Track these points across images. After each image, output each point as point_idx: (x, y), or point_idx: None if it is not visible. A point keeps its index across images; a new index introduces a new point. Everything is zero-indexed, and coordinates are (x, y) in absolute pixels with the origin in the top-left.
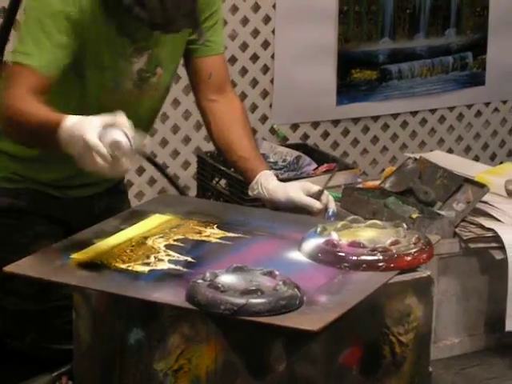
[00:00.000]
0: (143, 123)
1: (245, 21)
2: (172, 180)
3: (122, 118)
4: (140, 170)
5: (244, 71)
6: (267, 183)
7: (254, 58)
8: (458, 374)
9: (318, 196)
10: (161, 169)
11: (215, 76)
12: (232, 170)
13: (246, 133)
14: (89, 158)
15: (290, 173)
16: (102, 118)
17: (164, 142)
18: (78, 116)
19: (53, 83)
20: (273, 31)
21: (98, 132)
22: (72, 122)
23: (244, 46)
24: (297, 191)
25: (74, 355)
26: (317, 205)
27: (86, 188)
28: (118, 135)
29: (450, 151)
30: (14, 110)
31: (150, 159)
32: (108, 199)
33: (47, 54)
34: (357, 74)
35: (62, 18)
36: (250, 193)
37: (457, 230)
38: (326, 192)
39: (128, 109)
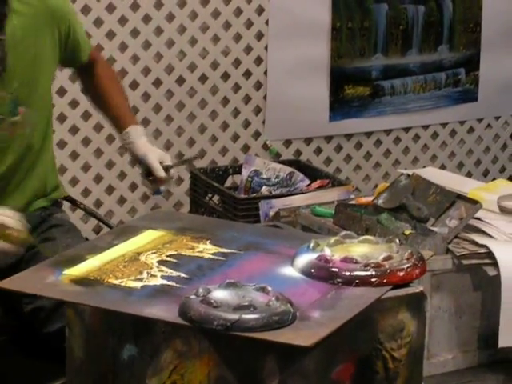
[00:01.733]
0: (27, 157)
1: (238, 37)
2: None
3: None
4: (133, 186)
5: (237, 87)
6: (137, 138)
7: (247, 74)
8: None
9: (165, 168)
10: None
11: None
12: (226, 186)
13: (121, 92)
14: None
15: (282, 189)
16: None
17: None
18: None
19: None
20: (266, 47)
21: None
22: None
23: (237, 63)
24: (153, 155)
25: (66, 371)
26: (160, 172)
27: None
28: None
29: (443, 167)
30: None
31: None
32: None
33: None
34: (350, 90)
35: None
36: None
37: (450, 246)
38: (173, 172)
39: None
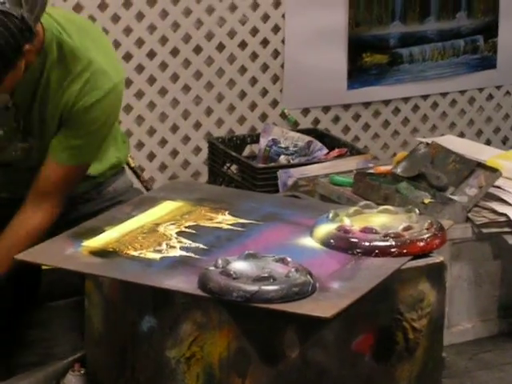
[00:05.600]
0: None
1: (255, 5)
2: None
3: None
4: (151, 156)
5: (254, 56)
6: None
7: (265, 42)
8: (472, 360)
9: None
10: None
11: (42, 181)
12: (243, 155)
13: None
14: None
15: (301, 158)
16: None
17: (174, 128)
18: None
19: None
20: (283, 16)
21: None
22: None
23: (254, 31)
24: None
25: (86, 342)
26: None
27: None
28: None
29: (462, 135)
30: None
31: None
32: None
33: None
34: (367, 58)
35: None
36: None
37: (469, 214)
38: None
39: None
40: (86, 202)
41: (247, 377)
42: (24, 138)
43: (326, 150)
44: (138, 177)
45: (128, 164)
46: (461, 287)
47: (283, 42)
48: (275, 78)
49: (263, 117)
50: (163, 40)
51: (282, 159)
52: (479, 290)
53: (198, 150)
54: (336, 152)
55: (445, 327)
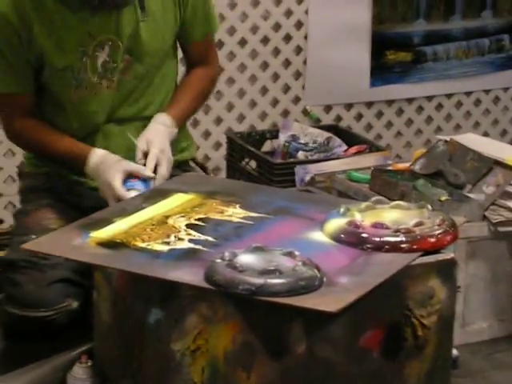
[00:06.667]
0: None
1: (278, 1)
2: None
3: (140, 168)
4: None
5: (277, 52)
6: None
7: (287, 38)
8: (486, 359)
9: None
10: None
11: (196, 57)
12: (262, 151)
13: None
14: (109, 196)
15: (320, 154)
16: (124, 165)
17: (195, 123)
18: (101, 153)
19: (33, 97)
20: (306, 11)
21: (121, 179)
22: (97, 161)
23: (277, 27)
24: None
25: (94, 334)
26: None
27: None
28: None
29: (486, 135)
30: (30, 140)
31: None
32: None
33: (11, 73)
34: (391, 56)
35: (9, 33)
36: None
37: (486, 213)
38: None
39: (103, 99)
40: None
41: (252, 371)
42: None
43: (345, 147)
44: None
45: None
46: (477, 286)
47: (306, 38)
48: (297, 74)
49: (285, 113)
50: None
51: (301, 155)
52: (495, 289)
53: (218, 145)
54: (355, 149)
55: (460, 326)
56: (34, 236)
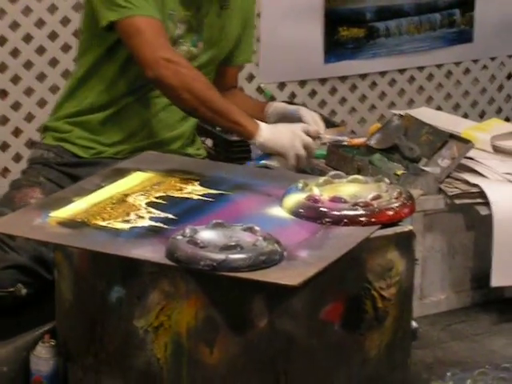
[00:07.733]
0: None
1: None
2: None
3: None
4: None
5: None
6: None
7: None
8: (444, 330)
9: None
10: None
11: (228, 83)
12: (218, 129)
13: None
14: (296, 144)
15: None
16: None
17: None
18: (270, 128)
19: None
20: None
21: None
22: (270, 136)
23: None
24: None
25: (56, 313)
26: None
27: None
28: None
29: (439, 109)
30: (197, 94)
31: None
32: None
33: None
34: (344, 32)
35: None
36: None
37: (442, 186)
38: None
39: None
40: None
41: (215, 346)
42: None
43: None
44: None
45: None
46: (434, 258)
47: (259, 15)
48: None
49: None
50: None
51: None
52: (452, 261)
53: None
54: None
55: (418, 298)
56: (9, 212)
